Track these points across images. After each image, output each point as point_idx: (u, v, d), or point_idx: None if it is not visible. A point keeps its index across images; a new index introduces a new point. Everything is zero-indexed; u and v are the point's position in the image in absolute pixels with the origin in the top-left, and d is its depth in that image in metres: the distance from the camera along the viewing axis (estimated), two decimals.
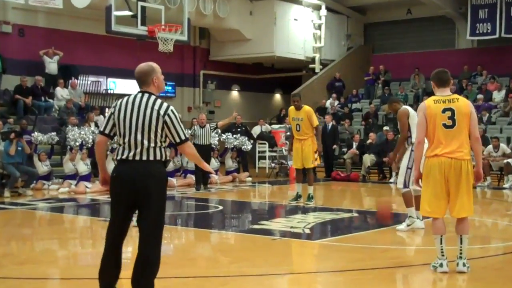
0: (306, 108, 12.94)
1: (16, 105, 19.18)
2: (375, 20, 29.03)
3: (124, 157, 5.24)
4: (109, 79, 23.30)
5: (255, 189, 17.91)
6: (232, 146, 19.63)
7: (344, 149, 21.39)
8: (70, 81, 21.48)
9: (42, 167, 16.25)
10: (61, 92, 20.71)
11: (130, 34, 17.93)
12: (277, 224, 10.70)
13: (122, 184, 5.23)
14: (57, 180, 16.47)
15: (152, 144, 5.21)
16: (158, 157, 5.24)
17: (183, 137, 5.30)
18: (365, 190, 17.63)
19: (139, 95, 5.35)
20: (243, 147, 19.65)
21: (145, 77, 5.42)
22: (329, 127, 20.33)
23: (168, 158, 5.50)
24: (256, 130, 22.84)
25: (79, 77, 21.85)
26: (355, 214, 12.14)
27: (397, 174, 11.07)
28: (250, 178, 19.33)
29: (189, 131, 16.47)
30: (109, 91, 22.99)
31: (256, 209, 13.99)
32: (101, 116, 20.37)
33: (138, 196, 5.18)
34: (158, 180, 5.22)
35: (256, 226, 10.43)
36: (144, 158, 5.20)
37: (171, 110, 5.27)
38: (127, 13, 17.73)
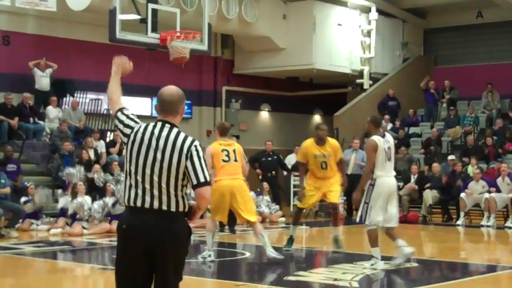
0: (331, 140, 13.04)
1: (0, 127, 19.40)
2: (437, 25, 29.00)
3: (136, 204, 5.13)
4: None
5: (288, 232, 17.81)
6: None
7: (400, 184, 21.24)
8: (65, 99, 21.69)
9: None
10: (54, 112, 20.91)
11: (138, 42, 18.03)
12: (318, 275, 10.66)
13: (132, 244, 5.10)
14: (48, 219, 16.57)
15: (172, 190, 5.11)
16: (180, 207, 5.15)
17: (203, 179, 5.13)
18: (426, 234, 17.47)
19: (159, 125, 5.25)
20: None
21: (175, 106, 5.32)
22: None
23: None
24: (290, 159, 22.81)
25: (76, 94, 22.04)
26: (414, 264, 12.02)
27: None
28: (283, 219, 19.27)
29: None
30: (111, 111, 23.14)
31: (291, 256, 13.90)
32: (101, 141, 20.54)
33: (153, 259, 5.10)
34: (181, 239, 5.15)
35: (291, 277, 10.38)
36: (164, 207, 5.09)
37: (195, 146, 5.17)
38: (135, 17, 17.88)
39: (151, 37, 17.61)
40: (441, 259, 13.19)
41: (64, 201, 16.41)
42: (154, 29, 17.55)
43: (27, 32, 21.61)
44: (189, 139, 5.19)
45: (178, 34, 17.72)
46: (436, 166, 20.75)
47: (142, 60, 21.88)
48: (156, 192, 5.09)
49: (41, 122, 20.57)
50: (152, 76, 23.83)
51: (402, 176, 21.45)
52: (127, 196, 5.14)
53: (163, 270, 5.10)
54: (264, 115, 28.74)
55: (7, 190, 15.55)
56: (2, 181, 15.40)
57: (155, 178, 5.10)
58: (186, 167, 5.10)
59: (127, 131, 5.30)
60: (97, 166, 18.39)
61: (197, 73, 25.83)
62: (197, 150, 5.16)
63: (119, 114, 5.46)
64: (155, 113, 25.58)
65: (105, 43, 19.58)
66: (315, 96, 29.10)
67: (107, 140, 21.51)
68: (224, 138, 11.96)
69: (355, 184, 18.59)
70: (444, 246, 15.50)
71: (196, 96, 26.08)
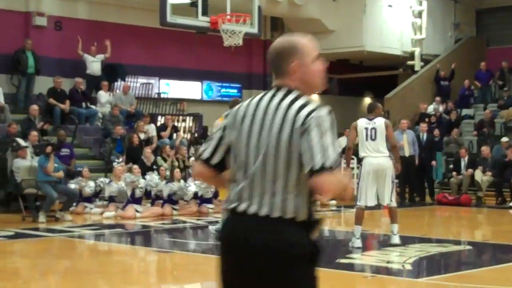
0: None
1: (52, 112, 19.68)
2: (490, 5, 28.59)
3: (239, 207, 3.65)
4: (162, 81, 23.68)
5: (341, 215, 17.81)
6: None
7: (451, 166, 21.09)
8: (116, 83, 21.93)
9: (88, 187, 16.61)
10: (105, 97, 21.15)
11: (189, 26, 18.13)
12: (370, 258, 10.65)
13: (232, 261, 3.67)
14: (102, 203, 16.78)
15: (292, 188, 3.57)
16: (300, 214, 3.59)
17: (328, 163, 3.45)
18: (479, 217, 17.35)
19: (270, 93, 3.73)
20: None
21: (279, 61, 3.76)
22: (424, 138, 20.17)
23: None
24: (341, 142, 22.73)
25: (127, 79, 22.26)
26: (467, 247, 11.96)
27: None
28: (334, 201, 19.23)
29: None
30: (161, 95, 23.35)
31: (342, 239, 13.91)
32: (152, 125, 20.70)
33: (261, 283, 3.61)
34: (299, 260, 3.64)
35: (343, 260, 10.39)
36: (276, 214, 3.57)
37: (318, 115, 3.55)
38: (185, 0, 17.95)
39: (202, 21, 17.67)
40: (494, 241, 13.08)
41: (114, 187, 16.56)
42: (204, 13, 17.61)
43: (78, 17, 21.82)
44: (310, 106, 3.60)
45: (228, 17, 17.77)
46: (485, 149, 20.45)
47: (191, 44, 22.06)
48: (267, 189, 3.59)
49: (93, 107, 20.82)
50: (201, 60, 23.96)
51: (453, 158, 21.29)
52: (231, 195, 3.71)
53: None
54: (314, 98, 28.65)
55: (61, 174, 15.77)
56: (56, 165, 15.58)
57: (260, 169, 3.61)
58: (300, 147, 3.53)
59: (223, 124, 3.81)
60: (147, 150, 18.53)
61: (247, 56, 25.85)
62: (320, 119, 3.53)
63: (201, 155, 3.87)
64: (205, 97, 26.02)
65: (156, 27, 19.78)
66: (365, 78, 28.98)
67: (158, 124, 21.68)
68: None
69: (412, 166, 18.58)
70: (498, 229, 15.35)
71: (245, 79, 26.14)
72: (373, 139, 11.46)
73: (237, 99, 12.60)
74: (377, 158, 11.48)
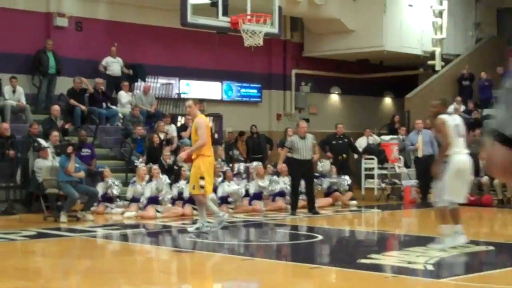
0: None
1: (73, 112, 19.77)
2: (511, 5, 28.45)
3: None
4: (182, 81, 23.73)
5: (361, 215, 17.79)
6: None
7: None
8: (136, 83, 22.01)
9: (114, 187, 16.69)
10: (126, 97, 21.24)
11: (209, 26, 18.17)
12: (391, 258, 10.60)
13: None
14: (122, 203, 16.85)
15: None
16: None
17: None
18: (502, 217, 17.24)
19: None
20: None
21: None
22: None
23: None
24: (361, 142, 22.71)
25: (147, 79, 22.33)
26: (490, 247, 11.88)
27: None
28: (355, 202, 19.22)
29: (286, 143, 16.73)
30: (182, 95, 23.40)
31: (363, 239, 13.90)
32: (172, 126, 20.76)
33: None
34: None
35: (364, 260, 10.36)
36: None
37: None
38: (205, 1, 17.99)
39: (222, 21, 17.70)
40: None
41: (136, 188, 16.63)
42: (225, 13, 17.65)
43: (99, 18, 21.92)
44: None
45: (249, 17, 17.79)
46: None
47: (211, 44, 22.09)
48: None
49: (114, 107, 20.90)
50: (221, 60, 24.00)
51: (474, 159, 21.16)
52: None
53: None
54: (334, 98, 28.65)
55: (82, 174, 15.85)
56: (77, 165, 15.67)
57: None
58: None
59: None
60: (166, 151, 18.55)
61: (267, 56, 25.86)
62: None
63: None
64: (225, 97, 26.14)
65: (176, 27, 19.85)
66: (385, 78, 28.92)
67: (178, 124, 21.73)
68: None
69: (430, 166, 18.37)
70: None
71: (265, 80, 26.16)
72: (461, 136, 11.09)
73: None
74: (464, 155, 11.12)
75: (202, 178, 12.84)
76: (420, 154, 19.27)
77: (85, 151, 17.74)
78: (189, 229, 13.13)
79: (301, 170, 16.59)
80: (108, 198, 16.73)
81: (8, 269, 9.83)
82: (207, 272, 10.01)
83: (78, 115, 19.76)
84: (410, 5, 25.75)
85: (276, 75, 26.56)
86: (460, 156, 10.99)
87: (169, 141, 19.84)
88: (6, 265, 10.17)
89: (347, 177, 19.33)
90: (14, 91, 19.07)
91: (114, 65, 21.35)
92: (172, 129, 20.62)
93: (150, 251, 12.26)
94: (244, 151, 21.87)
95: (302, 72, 27.11)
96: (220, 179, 17.26)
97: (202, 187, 12.84)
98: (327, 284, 9.25)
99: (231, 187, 16.94)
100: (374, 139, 23.02)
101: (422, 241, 12.13)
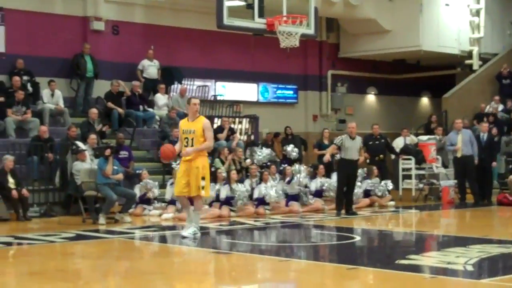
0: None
1: (110, 115, 19.91)
2: None
3: None
4: (218, 83, 23.79)
5: (399, 216, 17.69)
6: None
7: (511, 166, 20.83)
8: (173, 86, 22.11)
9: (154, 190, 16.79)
10: (163, 100, 21.34)
11: (245, 28, 18.15)
12: (430, 259, 10.55)
13: None
14: (160, 205, 16.92)
15: None
16: None
17: None
18: None
19: None
20: None
21: None
22: (485, 138, 19.86)
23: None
24: (398, 143, 22.59)
25: (183, 82, 22.42)
26: None
27: None
28: (392, 202, 19.13)
29: (335, 142, 16.71)
30: (218, 97, 23.45)
31: (401, 240, 13.82)
32: None
33: None
34: None
35: (403, 261, 10.30)
36: None
37: None
38: (241, 3, 18.01)
39: (258, 23, 17.69)
40: None
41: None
42: (261, 14, 17.64)
43: (135, 21, 22.06)
44: None
45: (285, 18, 17.77)
46: None
47: (247, 46, 22.14)
48: None
49: (151, 110, 21.01)
50: (257, 61, 24.03)
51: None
52: None
53: None
54: (371, 98, 28.54)
55: (120, 176, 15.95)
56: (115, 167, 15.78)
57: None
58: None
59: None
60: None
61: (302, 57, 25.84)
62: None
63: None
64: (261, 99, 26.14)
65: (211, 29, 19.87)
66: (422, 78, 28.78)
67: (215, 126, 21.77)
68: None
69: (469, 166, 18.13)
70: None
71: (301, 81, 26.16)
72: None
73: None
74: None
75: (203, 178, 12.77)
76: (459, 154, 19.12)
77: (123, 154, 17.85)
78: (184, 233, 12.88)
79: (348, 170, 16.53)
80: (146, 200, 16.84)
81: (47, 271, 9.93)
82: (244, 273, 10.01)
83: (116, 118, 19.92)
84: (447, 4, 25.57)
85: (312, 76, 26.53)
86: None
87: None
88: (45, 267, 10.28)
89: (388, 182, 19.23)
90: (52, 95, 19.29)
91: (150, 68, 21.49)
92: None
93: (187, 253, 12.29)
94: (280, 153, 21.85)
95: (338, 72, 27.04)
96: (255, 179, 17.27)
97: (202, 187, 12.75)
98: (365, 285, 9.21)
99: (268, 189, 16.87)
100: (411, 139, 22.90)
101: (461, 241, 12.07)
